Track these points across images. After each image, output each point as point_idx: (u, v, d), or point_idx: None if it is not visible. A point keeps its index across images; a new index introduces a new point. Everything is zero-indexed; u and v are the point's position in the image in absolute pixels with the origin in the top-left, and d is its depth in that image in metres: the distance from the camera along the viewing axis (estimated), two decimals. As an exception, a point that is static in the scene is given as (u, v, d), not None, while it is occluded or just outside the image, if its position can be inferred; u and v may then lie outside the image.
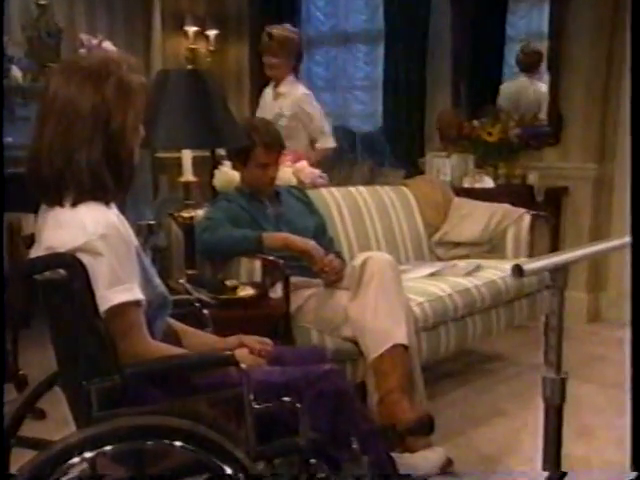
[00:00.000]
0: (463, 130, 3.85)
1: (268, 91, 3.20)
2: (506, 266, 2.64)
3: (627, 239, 1.07)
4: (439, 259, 3.02)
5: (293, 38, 3.15)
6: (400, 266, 2.43)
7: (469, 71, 4.06)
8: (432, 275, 2.60)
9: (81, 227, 1.19)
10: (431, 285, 2.46)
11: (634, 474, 0.96)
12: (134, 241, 1.27)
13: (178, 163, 2.20)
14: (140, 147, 1.29)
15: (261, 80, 4.96)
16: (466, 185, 3.71)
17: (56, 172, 1.22)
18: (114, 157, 1.23)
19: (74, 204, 1.21)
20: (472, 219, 3.07)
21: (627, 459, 0.93)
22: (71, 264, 1.17)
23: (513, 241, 2.97)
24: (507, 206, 3.04)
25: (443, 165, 3.84)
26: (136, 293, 1.21)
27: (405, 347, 2.00)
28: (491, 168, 3.77)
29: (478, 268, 2.69)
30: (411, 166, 4.24)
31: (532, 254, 2.93)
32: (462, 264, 2.73)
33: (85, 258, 1.17)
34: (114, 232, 1.20)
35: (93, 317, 1.18)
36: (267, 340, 1.47)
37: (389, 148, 4.72)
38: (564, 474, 1.01)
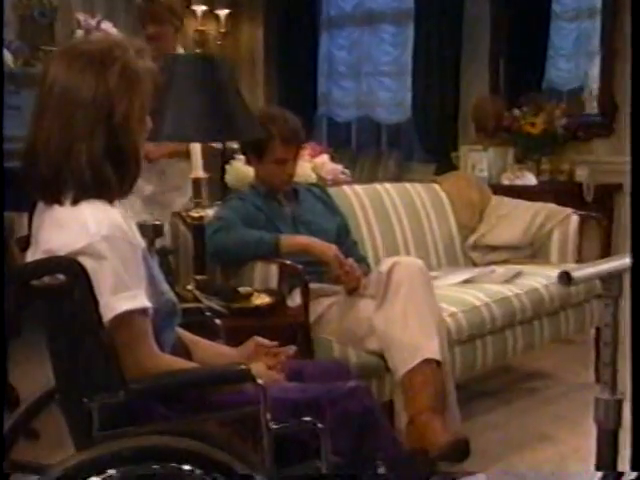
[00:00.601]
0: (502, 120, 3.83)
1: None
2: (550, 273, 2.62)
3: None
4: (475, 264, 3.01)
5: (177, 1, 2.79)
6: (431, 272, 2.42)
7: (510, 54, 4.04)
8: (467, 282, 2.59)
9: (83, 228, 1.20)
10: (466, 293, 2.45)
11: (634, 474, 0.99)
12: (140, 243, 1.28)
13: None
14: (146, 140, 1.31)
15: (278, 65, 5.00)
16: (505, 182, 3.69)
17: (54, 167, 1.23)
18: (117, 151, 1.24)
19: (75, 202, 1.22)
20: (512, 220, 3.05)
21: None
22: (72, 269, 1.18)
23: (559, 245, 2.95)
24: (552, 206, 3.02)
25: (479, 160, 3.83)
26: (143, 300, 1.22)
27: (437, 362, 2.00)
28: (534, 163, 3.75)
29: (519, 275, 2.68)
30: (443, 161, 4.23)
31: (580, 260, 2.91)
32: (500, 270, 2.72)
33: (87, 262, 1.19)
34: (119, 233, 1.21)
35: (96, 327, 1.19)
36: (289, 348, 1.48)
37: (419, 141, 4.72)
38: (620, 474, 1.01)
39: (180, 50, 2.77)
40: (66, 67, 1.24)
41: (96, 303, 1.19)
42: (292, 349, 1.48)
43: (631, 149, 1.08)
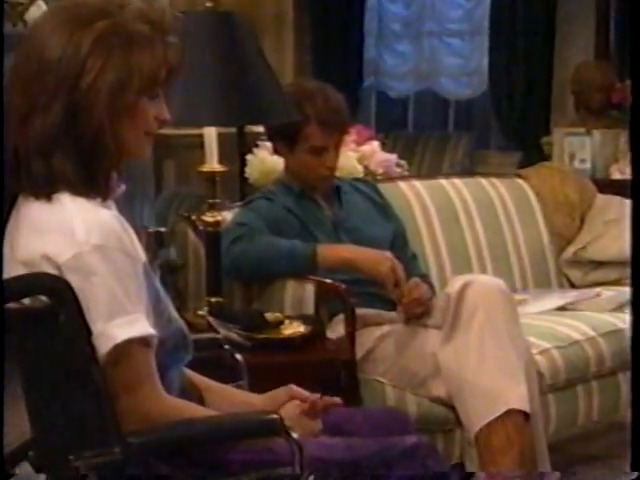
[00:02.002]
0: (612, 93, 3.80)
1: None
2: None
3: None
4: (573, 286, 2.99)
5: None
6: (515, 295, 2.42)
7: (623, 4, 4.00)
8: (563, 309, 2.59)
9: (67, 233, 1.24)
10: (562, 324, 2.44)
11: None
12: (141, 256, 1.31)
13: (191, 143, 2.24)
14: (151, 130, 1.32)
15: (312, 23, 5.03)
16: (616, 176, 3.66)
17: (12, 150, 1.27)
18: (75, 134, 1.26)
19: (49, 196, 1.26)
20: (625, 227, 3.03)
21: None
22: (57, 289, 1.22)
23: (688, 260, 2.91)
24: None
25: (580, 146, 3.80)
26: (145, 326, 1.25)
27: (525, 414, 2.00)
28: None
29: (634, 300, 2.66)
30: (530, 148, 4.22)
31: None
32: (609, 294, 2.70)
33: (74, 278, 1.22)
34: (114, 242, 1.25)
35: (87, 362, 1.22)
36: (335, 399, 1.47)
37: (497, 122, 4.71)
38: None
39: None
40: (44, 23, 1.29)
41: (89, 333, 1.22)
42: (338, 401, 1.47)
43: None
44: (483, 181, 3.06)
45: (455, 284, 2.13)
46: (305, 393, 1.47)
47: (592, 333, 2.42)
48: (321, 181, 2.40)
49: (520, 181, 3.13)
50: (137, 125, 1.31)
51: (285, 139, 2.37)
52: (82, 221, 1.24)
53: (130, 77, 1.27)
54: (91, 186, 1.28)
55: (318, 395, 1.45)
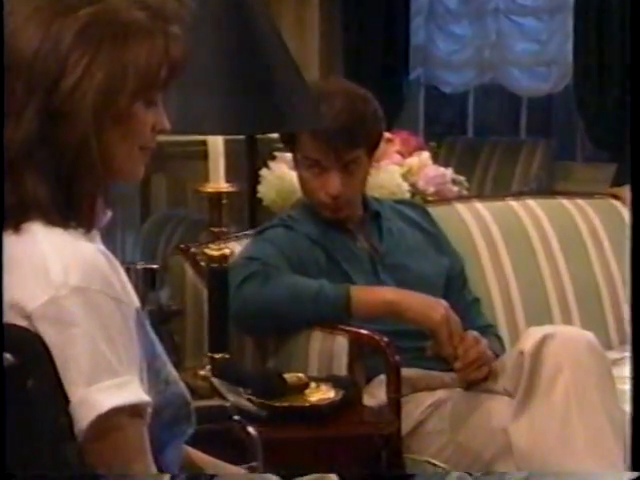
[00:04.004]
0: None
1: None
2: None
3: None
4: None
5: None
6: (610, 352, 2.43)
7: None
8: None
9: (39, 273, 1.26)
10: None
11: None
12: (134, 301, 1.34)
13: (188, 154, 2.24)
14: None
15: (344, 2, 5.05)
16: None
17: None
18: (52, 148, 1.29)
19: (17, 226, 1.28)
20: None
21: None
22: (24, 344, 1.24)
23: None
24: None
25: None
26: (137, 392, 1.27)
27: (624, 509, 2.01)
28: None
29: None
30: (626, 159, 4.22)
31: None
32: None
33: (48, 330, 1.25)
34: (99, 284, 1.27)
35: (62, 437, 1.25)
36: None
37: (584, 125, 4.72)
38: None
39: None
40: (16, 9, 1.32)
41: (64, 399, 1.24)
42: None
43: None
44: (566, 202, 3.08)
45: (531, 338, 2.14)
46: None
47: None
48: (325, 209, 2.39)
49: (615, 202, 3.14)
50: (130, 137, 1.34)
51: (285, 145, 2.43)
52: (58, 257, 1.27)
53: (123, 77, 1.31)
54: (71, 214, 1.31)
55: None
